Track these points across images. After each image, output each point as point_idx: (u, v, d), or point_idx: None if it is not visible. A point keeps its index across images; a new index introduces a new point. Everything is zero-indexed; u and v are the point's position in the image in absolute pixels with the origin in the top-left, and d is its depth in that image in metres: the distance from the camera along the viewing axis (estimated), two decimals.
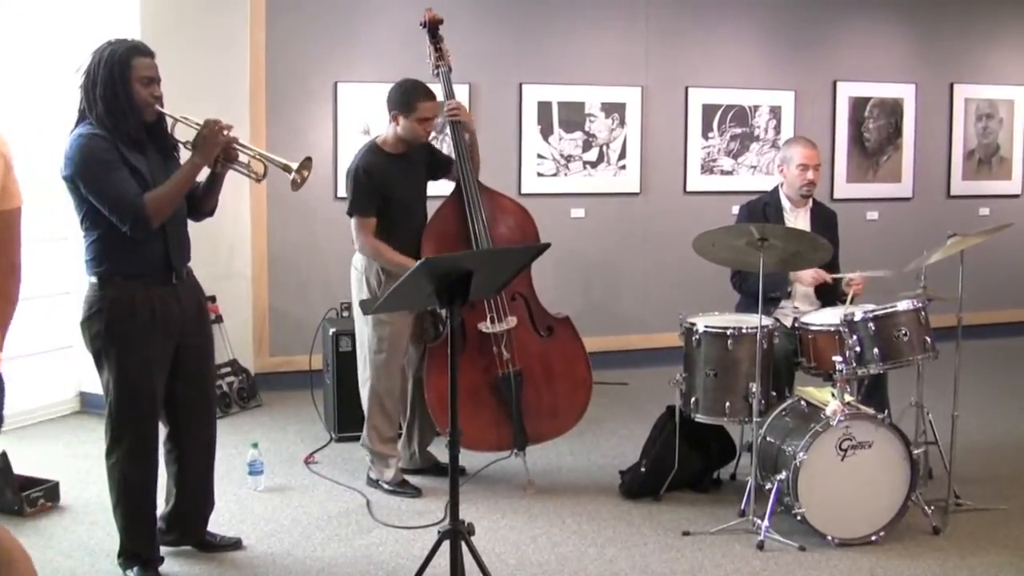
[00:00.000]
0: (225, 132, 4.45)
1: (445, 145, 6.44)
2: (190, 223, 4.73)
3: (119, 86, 4.30)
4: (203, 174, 4.60)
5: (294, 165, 4.48)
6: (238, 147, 4.56)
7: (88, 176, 4.25)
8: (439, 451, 6.06)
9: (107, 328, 4.38)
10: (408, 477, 5.89)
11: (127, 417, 4.46)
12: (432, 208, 5.83)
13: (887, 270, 5.56)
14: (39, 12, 7.09)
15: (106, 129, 4.29)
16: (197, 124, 4.45)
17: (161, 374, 4.53)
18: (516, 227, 5.85)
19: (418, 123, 5.58)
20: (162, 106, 4.45)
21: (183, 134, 4.54)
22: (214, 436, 4.89)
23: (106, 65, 4.31)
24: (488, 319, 5.70)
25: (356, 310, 5.78)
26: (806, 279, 5.93)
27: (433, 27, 5.88)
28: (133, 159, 4.34)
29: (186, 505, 4.82)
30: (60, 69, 7.10)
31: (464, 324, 5.64)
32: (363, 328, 5.72)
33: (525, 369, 5.77)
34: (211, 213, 4.82)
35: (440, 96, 5.78)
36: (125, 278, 4.39)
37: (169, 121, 4.53)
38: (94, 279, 4.42)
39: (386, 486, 5.78)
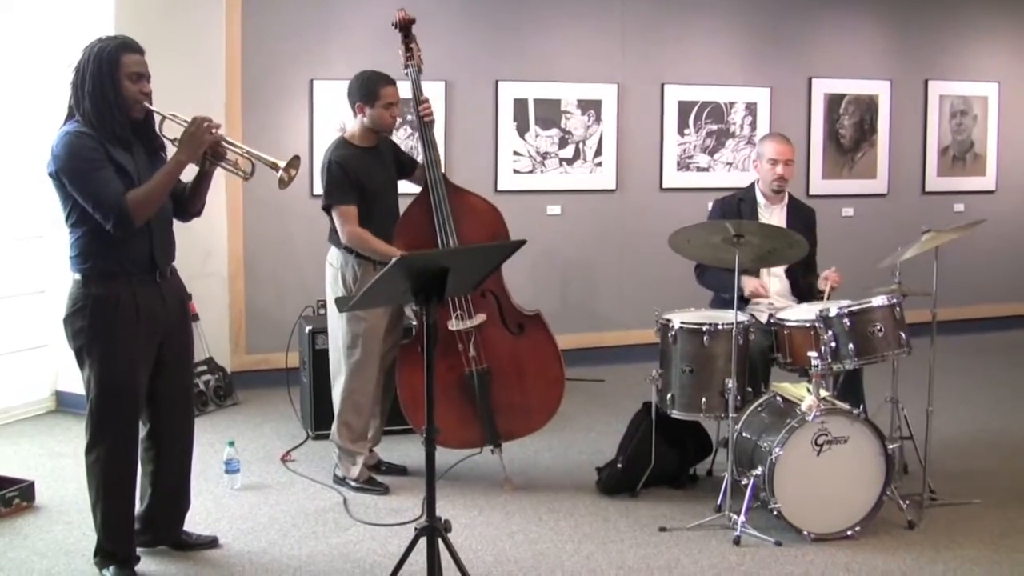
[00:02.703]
0: (213, 130, 4.43)
1: (411, 146, 6.40)
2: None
3: (107, 83, 4.30)
4: (191, 173, 4.59)
5: (282, 164, 4.46)
6: (226, 145, 4.54)
7: (73, 174, 4.25)
8: (404, 449, 6.06)
9: (91, 325, 4.37)
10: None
11: (108, 415, 4.44)
12: (403, 204, 5.83)
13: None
14: (12, 9, 7.04)
15: (92, 126, 4.29)
16: (185, 121, 4.43)
17: (144, 372, 4.52)
18: (484, 226, 5.80)
19: (384, 109, 5.61)
20: (151, 103, 4.45)
21: (172, 131, 4.52)
22: (192, 436, 4.88)
23: (95, 61, 4.30)
24: (455, 317, 5.70)
25: (330, 307, 5.78)
26: (747, 287, 5.92)
27: (406, 27, 5.88)
28: (119, 156, 4.33)
29: (161, 506, 4.80)
30: (35, 67, 7.08)
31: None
32: (337, 325, 5.71)
33: (495, 367, 5.76)
34: (198, 213, 4.80)
35: (407, 93, 5.80)
36: (109, 275, 4.38)
37: (157, 118, 4.52)
38: (78, 276, 4.41)
39: (352, 483, 5.77)
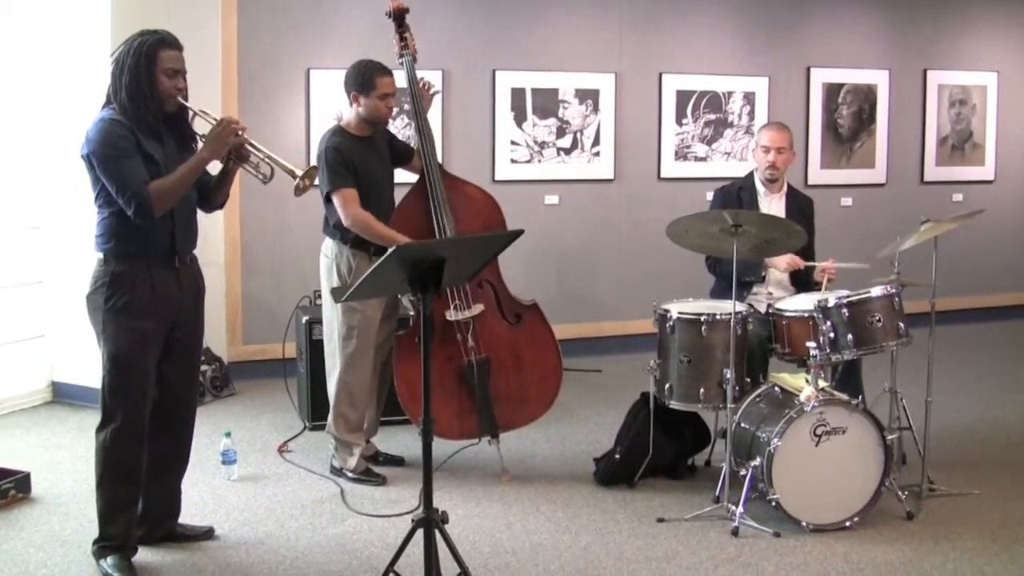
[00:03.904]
0: (238, 132, 4.53)
1: (408, 135, 6.42)
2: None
3: (143, 76, 4.41)
4: (216, 167, 4.69)
5: (299, 172, 4.54)
6: (249, 148, 4.64)
7: (101, 159, 4.36)
8: (401, 440, 6.05)
9: (107, 300, 4.45)
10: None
11: (120, 388, 4.48)
12: (399, 195, 5.82)
13: (862, 263, 5.58)
14: (11, 2, 7.00)
15: (126, 116, 4.41)
16: (214, 119, 4.54)
17: (154, 351, 4.57)
18: (480, 215, 5.81)
19: (380, 99, 5.60)
20: (186, 99, 4.54)
21: (202, 127, 4.62)
22: (192, 427, 4.89)
23: (134, 55, 4.42)
24: (453, 307, 5.69)
25: (325, 297, 5.77)
26: (781, 265, 5.93)
27: (399, 16, 5.87)
28: (149, 147, 4.44)
29: (157, 495, 4.78)
30: (33, 59, 7.05)
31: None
32: (332, 316, 5.70)
33: (494, 357, 5.75)
34: (220, 206, 4.94)
35: (402, 82, 5.78)
36: (130, 256, 4.47)
37: (190, 113, 4.62)
38: (101, 255, 4.51)
39: (350, 474, 5.76)
